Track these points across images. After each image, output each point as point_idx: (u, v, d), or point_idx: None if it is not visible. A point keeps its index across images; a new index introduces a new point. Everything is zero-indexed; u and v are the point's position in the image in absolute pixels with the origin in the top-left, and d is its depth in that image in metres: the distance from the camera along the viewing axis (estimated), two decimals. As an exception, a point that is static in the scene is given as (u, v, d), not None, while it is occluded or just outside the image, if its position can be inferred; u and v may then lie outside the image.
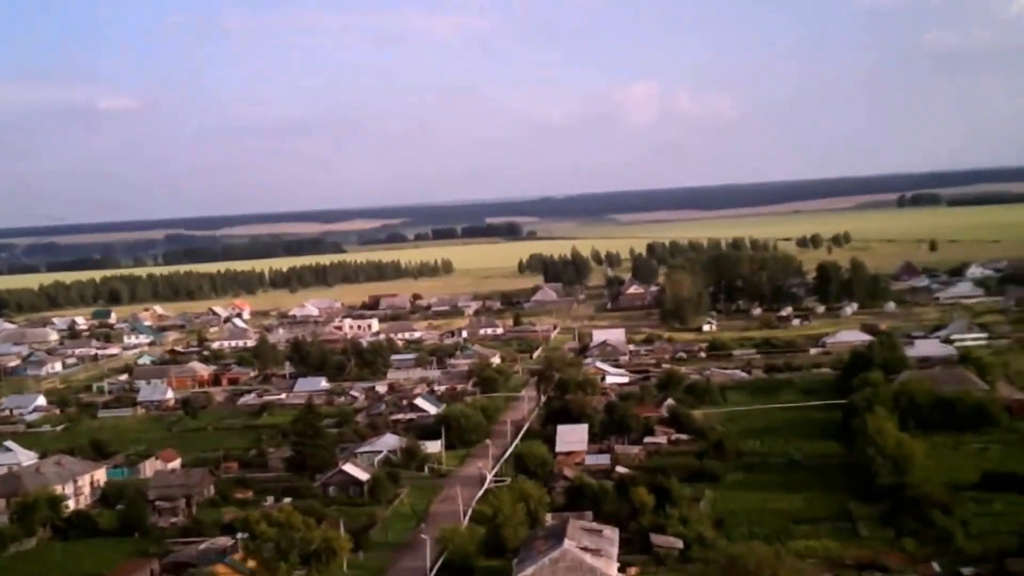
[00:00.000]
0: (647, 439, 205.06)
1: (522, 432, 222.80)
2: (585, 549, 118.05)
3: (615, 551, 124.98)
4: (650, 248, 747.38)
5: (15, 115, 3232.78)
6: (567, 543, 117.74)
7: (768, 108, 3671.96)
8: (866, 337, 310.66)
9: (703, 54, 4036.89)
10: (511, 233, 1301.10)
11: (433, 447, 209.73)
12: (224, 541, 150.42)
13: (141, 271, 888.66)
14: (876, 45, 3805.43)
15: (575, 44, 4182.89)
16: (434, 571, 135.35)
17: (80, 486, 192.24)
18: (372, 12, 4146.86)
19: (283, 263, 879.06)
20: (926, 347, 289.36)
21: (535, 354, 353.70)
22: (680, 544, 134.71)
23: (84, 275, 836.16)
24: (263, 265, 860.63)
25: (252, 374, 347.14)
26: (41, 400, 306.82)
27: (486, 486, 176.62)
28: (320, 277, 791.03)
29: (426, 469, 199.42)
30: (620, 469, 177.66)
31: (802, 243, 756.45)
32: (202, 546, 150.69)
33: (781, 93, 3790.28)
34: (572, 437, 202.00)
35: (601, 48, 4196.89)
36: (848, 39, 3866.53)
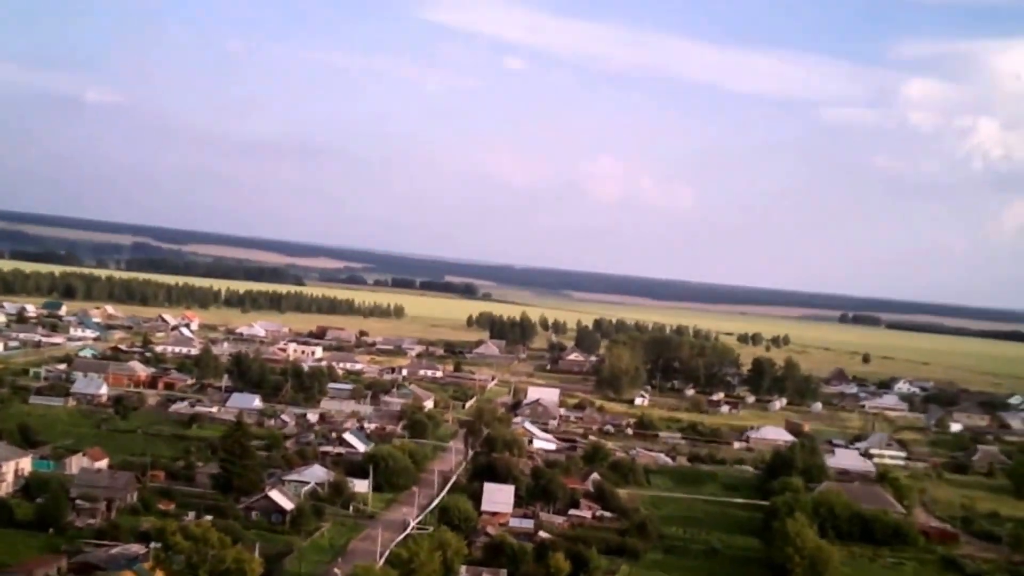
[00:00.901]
0: (572, 511, 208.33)
1: (449, 484, 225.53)
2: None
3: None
4: (596, 322, 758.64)
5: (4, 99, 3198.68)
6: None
7: (724, 210, 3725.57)
8: (789, 437, 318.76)
9: (669, 146, 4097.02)
10: (467, 292, 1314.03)
11: (361, 486, 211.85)
12: (137, 549, 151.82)
13: (102, 272, 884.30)
14: (830, 162, 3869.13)
15: (551, 116, 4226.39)
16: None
17: (3, 472, 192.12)
18: (367, 52, 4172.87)
19: (241, 285, 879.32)
20: (846, 458, 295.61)
21: (468, 404, 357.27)
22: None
23: (45, 267, 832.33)
24: (222, 284, 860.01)
25: (189, 382, 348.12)
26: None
27: (407, 531, 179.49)
28: (274, 303, 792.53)
29: (351, 508, 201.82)
30: (543, 535, 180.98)
31: (743, 339, 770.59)
32: (114, 550, 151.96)
33: (737, 197, 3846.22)
34: (499, 497, 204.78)
35: (576, 123, 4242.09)
36: (808, 152, 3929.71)
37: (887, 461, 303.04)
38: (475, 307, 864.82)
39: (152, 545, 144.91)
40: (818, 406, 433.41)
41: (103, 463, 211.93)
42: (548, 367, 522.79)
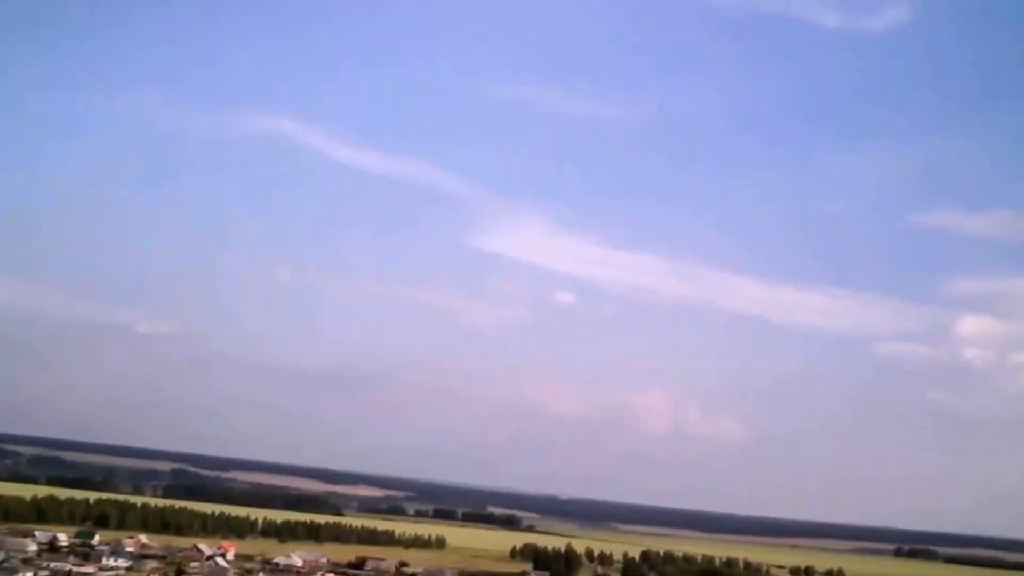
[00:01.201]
0: None
1: None
2: None
3: None
4: (643, 554, 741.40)
5: (53, 325, 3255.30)
6: None
7: (773, 442, 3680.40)
8: None
9: (718, 378, 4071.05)
10: (510, 524, 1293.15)
11: None
12: None
13: (138, 499, 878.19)
14: (884, 396, 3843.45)
15: (599, 348, 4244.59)
16: None
17: None
18: (415, 283, 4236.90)
19: (279, 515, 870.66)
20: None
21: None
22: None
23: (80, 494, 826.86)
24: (259, 513, 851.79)
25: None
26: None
27: None
28: (312, 533, 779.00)
29: None
30: None
31: (795, 572, 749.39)
32: None
33: (787, 429, 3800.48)
34: None
35: (624, 355, 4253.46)
36: (858, 386, 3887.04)
37: None
38: (518, 538, 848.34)
39: None
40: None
41: None
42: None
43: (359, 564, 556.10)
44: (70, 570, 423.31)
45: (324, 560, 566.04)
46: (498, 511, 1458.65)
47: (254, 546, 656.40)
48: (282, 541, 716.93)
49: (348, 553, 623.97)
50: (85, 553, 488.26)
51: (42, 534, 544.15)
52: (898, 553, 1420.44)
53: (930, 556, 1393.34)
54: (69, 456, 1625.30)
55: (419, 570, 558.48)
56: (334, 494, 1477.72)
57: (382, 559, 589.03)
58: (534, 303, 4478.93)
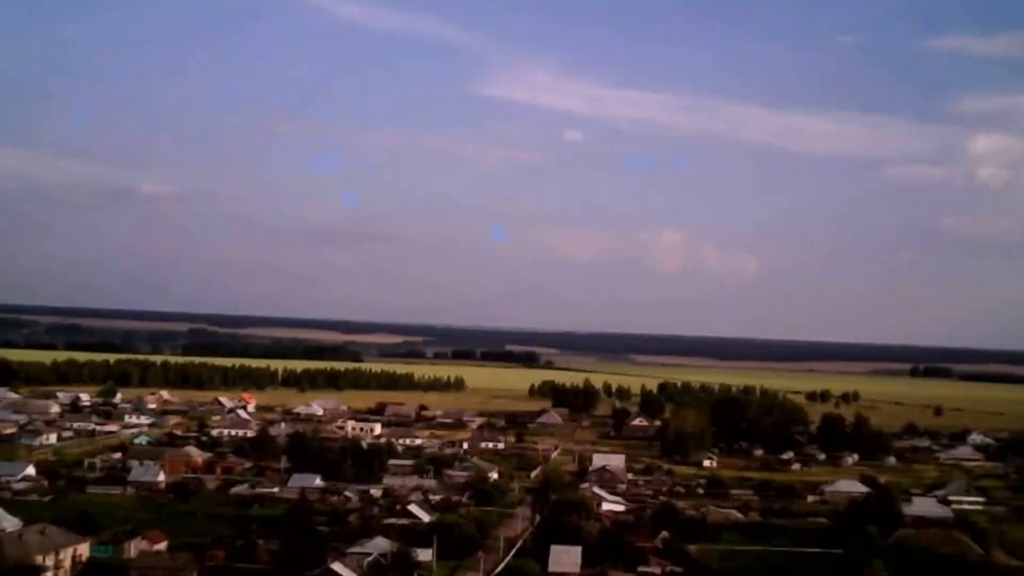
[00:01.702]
0: (641, 568, 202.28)
1: (515, 548, 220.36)
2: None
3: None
4: (661, 386, 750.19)
5: (55, 191, 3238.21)
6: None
7: (789, 269, 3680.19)
8: (864, 489, 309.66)
9: (732, 212, 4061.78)
10: (529, 361, 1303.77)
11: (424, 555, 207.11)
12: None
13: (157, 358, 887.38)
14: (897, 220, 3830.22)
15: (614, 189, 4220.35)
16: None
17: (61, 559, 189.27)
18: (423, 133, 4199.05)
19: (298, 364, 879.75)
20: (923, 505, 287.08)
21: (533, 473, 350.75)
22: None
23: (99, 356, 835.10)
24: (278, 364, 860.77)
25: (247, 465, 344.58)
26: (30, 470, 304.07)
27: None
28: (332, 381, 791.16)
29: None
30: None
31: (811, 397, 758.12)
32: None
33: (803, 256, 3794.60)
34: (565, 558, 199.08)
35: (638, 194, 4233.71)
36: (871, 211, 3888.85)
37: (966, 507, 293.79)
38: (537, 376, 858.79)
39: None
40: (892, 460, 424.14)
41: (162, 545, 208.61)
42: (612, 434, 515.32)
43: (379, 409, 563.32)
44: (93, 429, 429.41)
45: (344, 408, 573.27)
46: (516, 349, 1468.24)
47: (274, 397, 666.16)
48: (302, 391, 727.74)
49: (368, 399, 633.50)
50: (107, 412, 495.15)
51: (64, 395, 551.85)
52: (914, 373, 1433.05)
53: (946, 374, 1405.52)
54: (86, 323, 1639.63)
55: (439, 412, 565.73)
56: (352, 343, 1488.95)
57: (401, 403, 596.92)
58: (543, 142, 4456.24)
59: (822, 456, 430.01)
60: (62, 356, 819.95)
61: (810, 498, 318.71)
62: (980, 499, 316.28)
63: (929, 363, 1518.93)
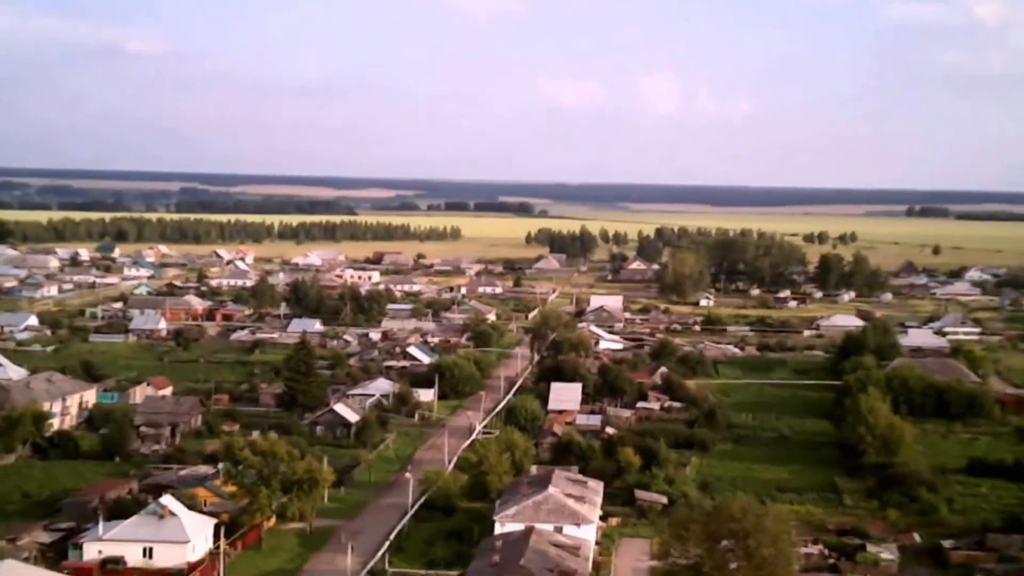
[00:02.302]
0: (640, 404, 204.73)
1: (515, 387, 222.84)
2: (569, 496, 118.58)
3: (599, 500, 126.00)
4: (658, 231, 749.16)
5: (40, 52, 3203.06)
6: (552, 489, 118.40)
7: (784, 114, 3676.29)
8: (860, 322, 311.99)
9: (724, 56, 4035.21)
10: (523, 211, 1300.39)
11: (426, 395, 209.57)
12: (205, 469, 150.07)
13: (152, 216, 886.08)
14: (893, 61, 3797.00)
15: (603, 34, 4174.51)
16: (415, 508, 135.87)
17: (68, 406, 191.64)
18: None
19: (294, 219, 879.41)
20: (919, 337, 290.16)
21: (531, 315, 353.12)
22: (664, 500, 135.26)
23: (95, 215, 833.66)
24: (274, 219, 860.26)
25: (247, 312, 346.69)
26: (33, 320, 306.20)
27: (474, 436, 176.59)
28: (328, 233, 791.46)
29: (416, 416, 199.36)
30: (610, 431, 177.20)
31: (808, 239, 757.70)
32: (183, 472, 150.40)
33: (798, 100, 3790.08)
34: (565, 395, 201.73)
35: (627, 40, 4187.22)
36: (867, 52, 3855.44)
37: (961, 337, 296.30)
38: (532, 225, 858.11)
39: (220, 465, 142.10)
40: (888, 296, 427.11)
41: (167, 391, 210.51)
42: (610, 277, 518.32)
43: (377, 259, 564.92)
44: (93, 282, 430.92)
45: (341, 257, 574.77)
46: (510, 200, 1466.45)
47: (272, 249, 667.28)
48: (299, 243, 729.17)
49: (365, 250, 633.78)
50: (107, 266, 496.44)
51: (63, 251, 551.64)
52: (910, 213, 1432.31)
53: (942, 214, 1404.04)
54: (78, 184, 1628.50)
55: (436, 260, 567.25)
56: (346, 197, 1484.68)
57: (399, 252, 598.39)
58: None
59: (819, 294, 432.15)
60: (57, 216, 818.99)
61: (806, 333, 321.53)
62: (975, 330, 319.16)
63: (925, 204, 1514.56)
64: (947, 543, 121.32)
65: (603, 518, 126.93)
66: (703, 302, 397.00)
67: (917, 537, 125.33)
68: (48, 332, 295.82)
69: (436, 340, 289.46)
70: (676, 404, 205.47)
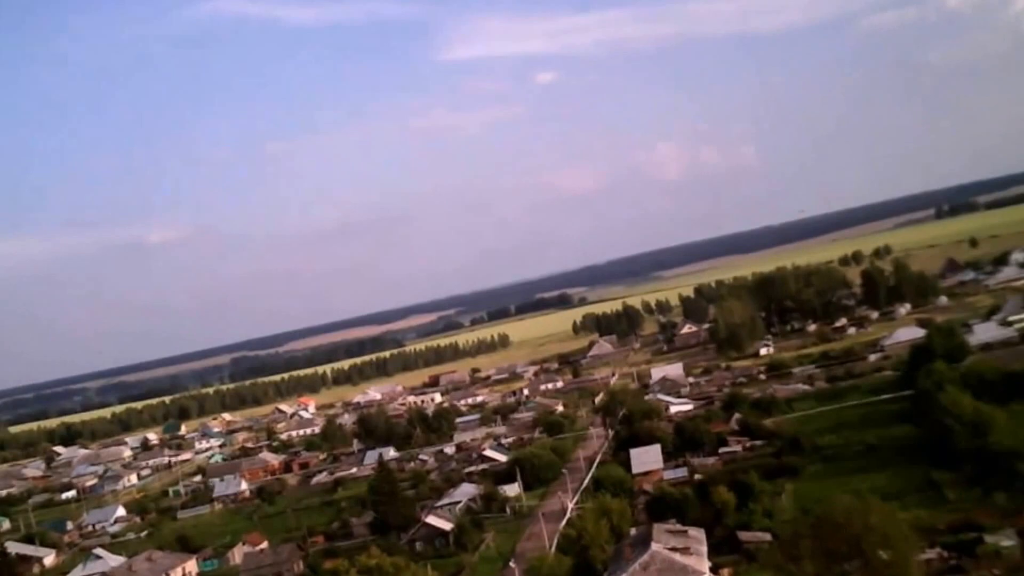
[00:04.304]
0: (721, 450, 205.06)
1: (596, 462, 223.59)
2: (674, 549, 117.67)
3: (704, 549, 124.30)
4: (698, 290, 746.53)
5: (64, 263, 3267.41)
6: (655, 546, 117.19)
7: (791, 149, 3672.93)
8: (922, 332, 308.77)
9: (718, 108, 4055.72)
10: (563, 303, 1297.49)
11: (511, 490, 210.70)
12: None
13: (209, 389, 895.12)
14: (884, 70, 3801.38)
15: (598, 115, 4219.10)
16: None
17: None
18: (403, 117, 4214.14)
19: (345, 363, 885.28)
20: (986, 331, 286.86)
21: (597, 399, 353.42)
22: (768, 537, 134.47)
23: (155, 401, 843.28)
24: (326, 367, 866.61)
25: (322, 456, 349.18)
26: (121, 511, 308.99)
27: (569, 514, 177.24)
28: (381, 369, 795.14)
29: (507, 509, 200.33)
30: (698, 477, 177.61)
31: (844, 262, 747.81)
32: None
33: (801, 132, 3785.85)
34: (646, 458, 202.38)
35: (623, 115, 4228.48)
36: (856, 68, 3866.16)
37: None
38: (575, 315, 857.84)
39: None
40: (943, 300, 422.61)
41: (263, 545, 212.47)
42: (665, 348, 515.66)
43: (433, 382, 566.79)
44: (169, 461, 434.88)
45: (399, 388, 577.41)
46: (547, 295, 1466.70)
47: (330, 396, 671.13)
48: (354, 384, 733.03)
49: (420, 377, 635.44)
50: (177, 444, 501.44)
51: (132, 439, 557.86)
52: (939, 215, 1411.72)
53: (971, 208, 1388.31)
54: (130, 378, 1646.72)
55: (492, 371, 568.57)
56: (390, 331, 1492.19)
57: (454, 371, 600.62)
58: (518, 93, 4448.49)
59: (874, 314, 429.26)
60: (119, 409, 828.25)
61: (872, 357, 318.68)
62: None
63: (953, 201, 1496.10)
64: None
65: (714, 570, 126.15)
66: (763, 351, 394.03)
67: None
68: (138, 519, 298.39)
69: (510, 440, 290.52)
70: (757, 442, 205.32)
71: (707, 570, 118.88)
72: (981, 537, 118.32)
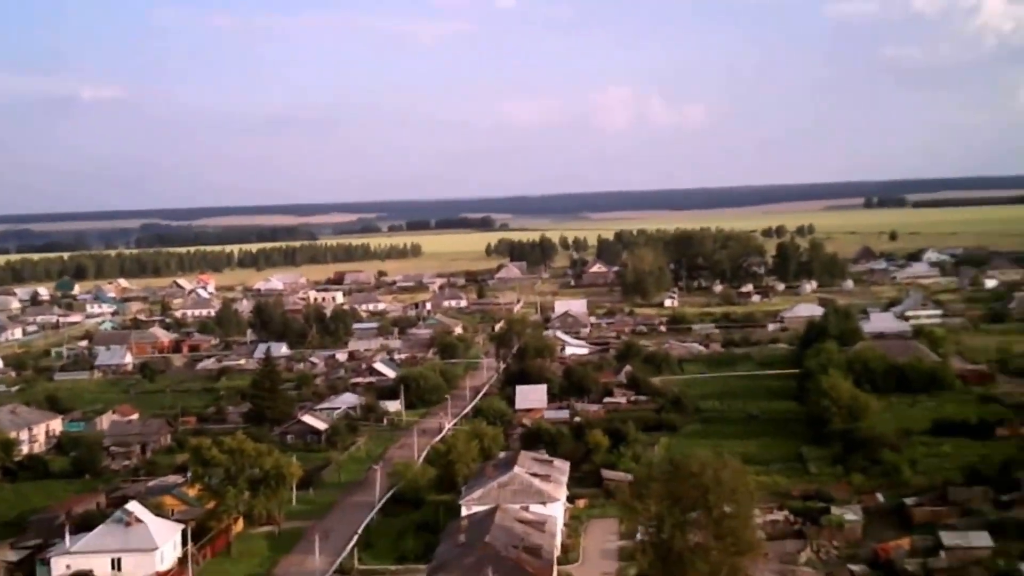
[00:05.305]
0: (606, 399, 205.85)
1: (481, 393, 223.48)
2: (535, 475, 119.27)
3: (565, 479, 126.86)
4: (617, 235, 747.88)
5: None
6: (517, 468, 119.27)
7: (739, 115, 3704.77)
8: (822, 311, 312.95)
9: (676, 62, 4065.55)
10: (485, 226, 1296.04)
11: (393, 406, 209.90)
12: (174, 479, 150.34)
13: (111, 252, 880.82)
14: (842, 57, 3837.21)
15: (552, 50, 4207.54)
16: (382, 502, 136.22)
17: (35, 434, 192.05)
18: (354, 15, 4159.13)
19: (253, 247, 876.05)
20: (881, 321, 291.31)
21: (497, 326, 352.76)
22: (630, 478, 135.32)
23: (54, 255, 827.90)
24: (234, 247, 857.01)
25: (213, 341, 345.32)
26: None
27: (443, 433, 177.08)
28: (288, 258, 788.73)
29: (385, 421, 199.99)
30: (578, 419, 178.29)
31: (767, 233, 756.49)
32: (151, 483, 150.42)
33: (752, 101, 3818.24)
34: (532, 396, 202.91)
35: (579, 53, 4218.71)
36: (815, 51, 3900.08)
37: (923, 320, 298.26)
38: (493, 238, 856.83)
39: (188, 471, 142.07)
40: (849, 284, 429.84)
41: (133, 417, 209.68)
42: (572, 283, 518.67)
43: (338, 280, 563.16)
44: (57, 320, 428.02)
45: (303, 280, 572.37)
46: (471, 216, 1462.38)
47: (233, 277, 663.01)
48: (259, 269, 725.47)
49: (326, 272, 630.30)
50: (68, 303, 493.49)
51: (22, 291, 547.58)
52: (868, 205, 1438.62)
53: (899, 204, 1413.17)
54: (36, 227, 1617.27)
55: (398, 277, 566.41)
56: (307, 224, 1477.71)
57: (360, 271, 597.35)
58: (477, 14, 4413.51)
59: (781, 286, 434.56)
60: (15, 258, 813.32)
61: (771, 326, 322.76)
62: (937, 312, 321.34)
63: (883, 195, 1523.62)
64: (910, 501, 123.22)
65: (571, 500, 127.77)
66: (667, 302, 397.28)
67: (880, 497, 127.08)
68: (13, 374, 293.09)
69: (403, 356, 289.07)
70: (642, 398, 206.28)
71: (563, 498, 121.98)
72: (828, 508, 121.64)
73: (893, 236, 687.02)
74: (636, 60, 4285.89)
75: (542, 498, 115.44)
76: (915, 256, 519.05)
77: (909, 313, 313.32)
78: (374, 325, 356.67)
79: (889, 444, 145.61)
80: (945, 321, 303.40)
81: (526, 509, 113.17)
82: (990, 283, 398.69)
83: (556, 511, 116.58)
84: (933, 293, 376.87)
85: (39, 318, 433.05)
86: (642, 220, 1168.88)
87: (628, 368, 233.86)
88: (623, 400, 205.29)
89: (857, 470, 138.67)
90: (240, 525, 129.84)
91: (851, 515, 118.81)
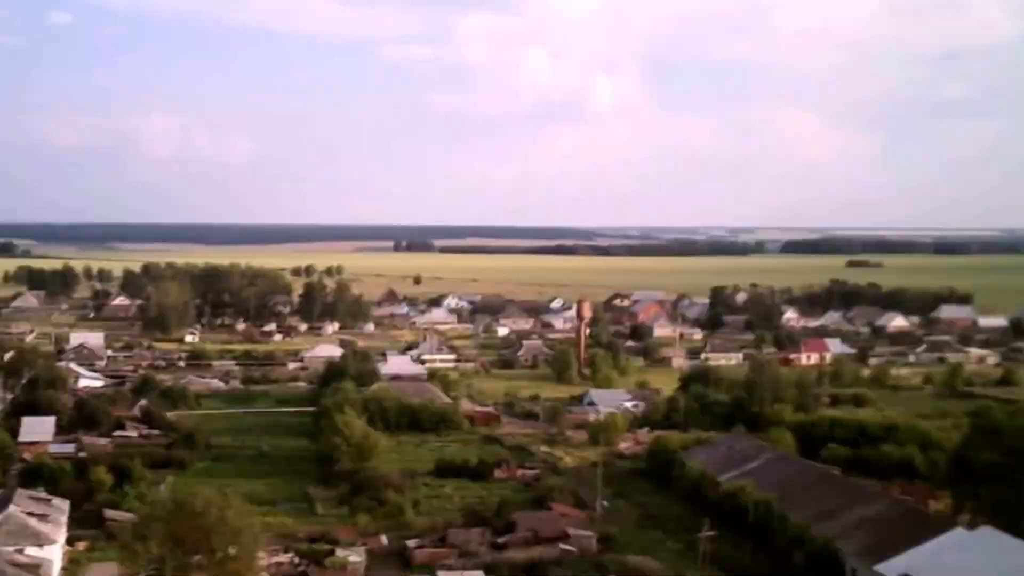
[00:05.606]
0: (117, 433, 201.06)
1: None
2: (31, 514, 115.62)
3: (64, 519, 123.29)
4: (145, 267, 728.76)
5: None
6: (12, 508, 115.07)
7: (282, 153, 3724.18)
8: (342, 352, 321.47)
9: (224, 94, 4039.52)
10: (4, 251, 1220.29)
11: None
12: None
13: None
14: (390, 99, 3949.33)
15: (101, 73, 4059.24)
16: None
17: None
18: None
19: None
20: (398, 363, 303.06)
21: (7, 356, 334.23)
22: (134, 518, 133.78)
23: None
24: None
25: None
26: None
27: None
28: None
29: None
30: (83, 455, 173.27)
31: (296, 272, 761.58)
32: None
33: (296, 140, 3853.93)
34: (38, 428, 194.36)
35: (127, 78, 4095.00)
36: (364, 92, 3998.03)
37: (438, 364, 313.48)
38: (12, 265, 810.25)
39: None
40: (370, 326, 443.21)
41: None
42: (92, 315, 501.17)
43: None
44: None
45: None
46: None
47: None
48: None
49: None
50: None
51: None
52: (397, 248, 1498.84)
53: (427, 248, 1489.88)
54: None
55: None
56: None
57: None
58: (28, 25, 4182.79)
59: (304, 326, 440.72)
60: None
61: (291, 365, 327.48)
62: (451, 357, 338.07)
63: (413, 240, 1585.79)
64: (411, 543, 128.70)
65: (70, 542, 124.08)
66: (188, 338, 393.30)
67: (384, 539, 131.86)
68: None
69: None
70: (155, 432, 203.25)
71: (62, 539, 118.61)
72: (333, 550, 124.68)
73: (417, 280, 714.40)
74: (184, 87, 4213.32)
75: (39, 540, 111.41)
76: (436, 301, 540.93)
77: (425, 357, 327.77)
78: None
79: (394, 485, 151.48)
80: (458, 365, 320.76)
81: (21, 552, 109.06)
82: (502, 331, 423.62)
83: (54, 554, 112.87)
84: (449, 339, 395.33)
85: None
86: (175, 253, 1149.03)
87: (143, 402, 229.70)
88: (135, 434, 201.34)
89: (363, 511, 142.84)
90: None
91: (355, 557, 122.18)
